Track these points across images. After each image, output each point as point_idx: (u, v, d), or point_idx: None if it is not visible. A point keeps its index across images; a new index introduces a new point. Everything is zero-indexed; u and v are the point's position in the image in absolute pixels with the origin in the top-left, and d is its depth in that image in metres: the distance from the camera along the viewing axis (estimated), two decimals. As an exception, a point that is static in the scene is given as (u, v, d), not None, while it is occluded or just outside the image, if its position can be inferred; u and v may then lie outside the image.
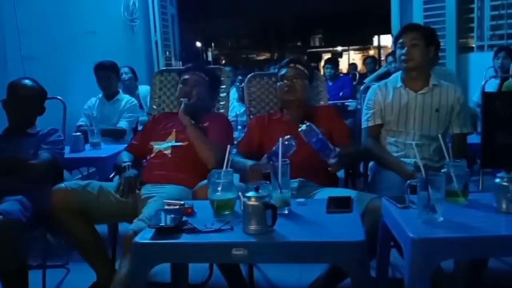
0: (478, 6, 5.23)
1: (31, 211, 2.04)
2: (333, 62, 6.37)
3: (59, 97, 2.86)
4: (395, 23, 5.94)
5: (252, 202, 1.36)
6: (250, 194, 1.38)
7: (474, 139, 2.47)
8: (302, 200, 1.67)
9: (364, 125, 2.37)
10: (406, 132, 2.28)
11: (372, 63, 8.24)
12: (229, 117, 2.63)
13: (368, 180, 2.48)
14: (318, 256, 1.36)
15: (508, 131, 2.29)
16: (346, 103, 5.28)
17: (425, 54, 2.25)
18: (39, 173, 2.16)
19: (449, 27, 5.30)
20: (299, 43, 25.69)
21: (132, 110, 3.60)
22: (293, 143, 1.89)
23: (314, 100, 2.53)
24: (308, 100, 2.39)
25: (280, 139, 1.78)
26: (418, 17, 5.42)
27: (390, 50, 7.49)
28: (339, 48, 24.12)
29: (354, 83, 6.78)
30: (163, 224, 1.41)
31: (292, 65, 2.33)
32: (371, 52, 21.67)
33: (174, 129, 2.34)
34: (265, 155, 2.03)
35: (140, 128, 3.63)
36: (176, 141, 2.29)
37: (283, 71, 2.32)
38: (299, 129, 1.93)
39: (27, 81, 2.37)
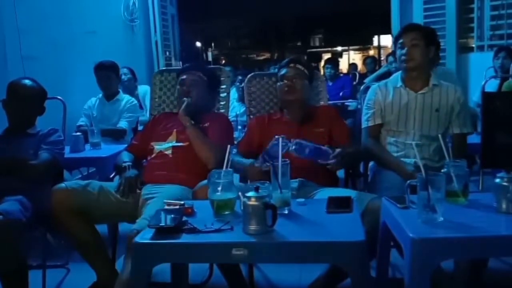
0: (478, 6, 5.23)
1: (31, 211, 2.04)
2: (333, 62, 6.37)
3: (59, 97, 2.86)
4: (395, 23, 5.94)
5: (252, 202, 1.36)
6: (250, 194, 1.38)
7: (474, 139, 2.47)
8: (302, 200, 1.67)
9: (364, 125, 2.37)
10: (406, 132, 2.28)
11: (372, 63, 8.25)
12: (229, 117, 2.62)
13: (368, 180, 2.48)
14: (318, 256, 1.36)
15: (508, 131, 2.29)
16: (346, 103, 5.28)
17: (425, 54, 2.25)
18: (39, 173, 2.16)
19: (449, 27, 5.30)
20: (299, 43, 25.69)
21: (132, 110, 3.60)
22: (284, 144, 1.88)
23: (314, 100, 2.53)
24: (308, 100, 2.39)
25: (280, 138, 1.78)
26: (418, 17, 5.42)
27: (390, 50, 7.50)
28: (339, 48, 24.12)
29: (354, 83, 6.77)
30: (163, 224, 1.41)
31: (292, 65, 2.33)
32: (371, 52, 21.68)
33: (175, 129, 2.33)
34: (260, 155, 2.02)
35: (140, 128, 3.63)
36: (176, 142, 2.29)
37: (283, 71, 2.32)
38: (290, 150, 1.89)
39: (27, 81, 2.37)
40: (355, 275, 1.32)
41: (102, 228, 2.28)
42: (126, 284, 1.64)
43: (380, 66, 8.73)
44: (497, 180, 1.44)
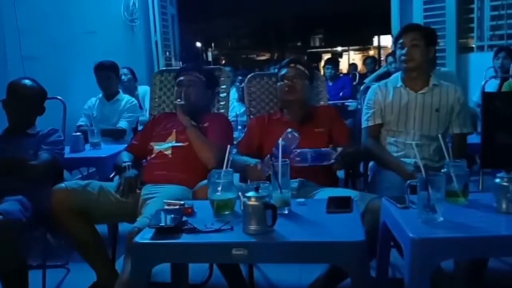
0: (478, 6, 5.23)
1: (31, 211, 2.04)
2: (334, 62, 6.37)
3: (59, 97, 2.86)
4: (395, 23, 5.94)
5: (252, 202, 1.36)
6: (250, 194, 1.38)
7: (474, 139, 2.47)
8: (302, 200, 1.67)
9: (364, 125, 2.37)
10: (406, 132, 2.28)
11: (372, 63, 8.26)
12: (229, 117, 2.62)
13: (368, 180, 2.48)
14: (318, 256, 1.36)
15: (508, 131, 2.29)
16: (346, 103, 5.28)
17: (425, 54, 2.25)
18: (39, 173, 2.16)
19: (449, 27, 5.30)
20: (299, 43, 25.69)
21: (132, 110, 3.60)
22: (296, 135, 1.90)
23: (314, 100, 2.53)
24: (308, 100, 2.39)
25: (280, 139, 1.78)
26: (418, 17, 5.42)
27: (390, 50, 7.49)
28: (339, 48, 24.12)
29: (354, 83, 6.78)
30: (163, 224, 1.41)
31: (292, 65, 2.32)
32: (371, 52, 21.70)
33: (174, 130, 2.33)
34: (268, 156, 2.01)
35: (140, 128, 3.63)
36: (176, 142, 2.29)
37: (283, 71, 2.32)
38: (295, 164, 1.88)
39: (27, 81, 2.37)
40: (355, 275, 1.32)
41: (102, 228, 2.28)
42: (126, 284, 1.64)
43: (380, 66, 8.74)
44: (497, 180, 1.44)
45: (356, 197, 1.74)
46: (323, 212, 1.56)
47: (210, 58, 22.24)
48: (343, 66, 14.18)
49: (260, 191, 1.39)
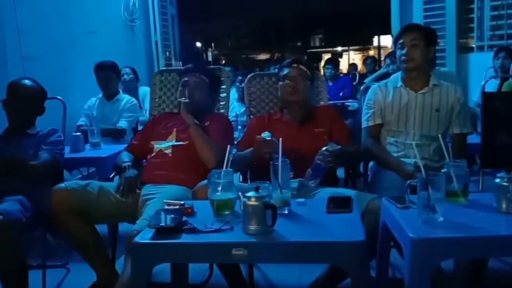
0: (478, 6, 5.23)
1: (31, 211, 2.04)
2: (334, 62, 6.37)
3: (59, 97, 2.86)
4: (395, 23, 5.94)
5: (252, 202, 1.36)
6: (250, 194, 1.38)
7: (474, 139, 2.47)
8: (302, 200, 1.67)
9: (364, 125, 2.37)
10: (406, 132, 2.28)
11: (372, 63, 8.27)
12: (229, 117, 2.62)
13: (368, 180, 2.48)
14: (318, 256, 1.36)
15: (508, 131, 2.29)
16: (346, 103, 5.28)
17: (425, 54, 2.25)
18: (39, 173, 2.16)
19: (449, 27, 5.30)
20: (299, 43, 25.69)
21: (132, 110, 3.60)
22: (268, 138, 1.92)
23: (314, 100, 2.53)
24: (309, 101, 2.39)
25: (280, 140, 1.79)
26: (418, 17, 5.42)
27: (390, 50, 7.49)
28: (339, 48, 24.12)
29: (354, 83, 6.78)
30: (163, 224, 1.41)
31: (295, 65, 2.32)
32: (371, 53, 21.69)
33: (175, 129, 2.34)
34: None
35: (140, 128, 3.63)
36: (176, 141, 2.29)
37: (285, 71, 2.32)
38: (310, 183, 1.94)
39: (27, 81, 2.37)
40: (355, 275, 1.32)
41: (102, 228, 2.28)
42: (126, 285, 1.64)
43: (380, 67, 8.74)
44: (497, 180, 1.44)
45: (356, 197, 1.74)
46: (323, 212, 1.56)
47: (210, 58, 22.22)
48: (343, 66, 14.17)
49: (260, 191, 1.39)
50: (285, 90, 2.29)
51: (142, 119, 3.82)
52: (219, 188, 1.55)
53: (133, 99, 3.69)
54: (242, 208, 1.39)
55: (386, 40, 17.59)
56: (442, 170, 1.54)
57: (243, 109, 4.20)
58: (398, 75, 2.37)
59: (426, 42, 2.24)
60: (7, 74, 3.26)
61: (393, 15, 6.05)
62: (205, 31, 21.70)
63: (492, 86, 3.59)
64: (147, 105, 3.76)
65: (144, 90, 4.36)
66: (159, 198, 1.88)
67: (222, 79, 2.63)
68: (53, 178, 2.25)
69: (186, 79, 2.38)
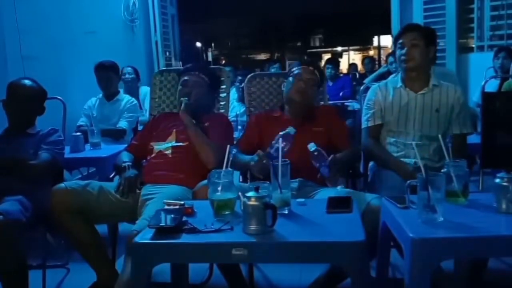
0: (478, 6, 5.22)
1: (31, 211, 2.05)
2: (334, 62, 6.37)
3: (59, 97, 2.86)
4: (395, 23, 5.93)
5: (252, 202, 1.36)
6: (250, 194, 1.38)
7: (474, 139, 2.47)
8: (302, 200, 1.67)
9: (364, 125, 2.37)
10: (406, 132, 2.28)
11: (370, 63, 8.26)
12: (229, 117, 2.62)
13: (368, 180, 2.48)
14: (318, 256, 1.36)
15: (508, 131, 2.29)
16: (346, 103, 5.28)
17: (425, 54, 2.25)
18: (39, 173, 2.16)
19: (449, 27, 5.29)
20: (299, 43, 25.68)
21: (132, 110, 3.60)
22: (292, 133, 1.89)
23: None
24: (311, 104, 2.39)
25: (280, 139, 1.78)
26: (418, 17, 5.41)
27: (390, 50, 7.49)
28: (339, 48, 24.11)
29: (354, 83, 6.78)
30: (163, 224, 1.41)
31: (311, 69, 2.31)
32: (371, 53, 21.70)
33: (174, 129, 2.34)
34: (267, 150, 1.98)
35: (140, 128, 3.63)
36: (176, 141, 2.29)
37: (298, 70, 2.30)
38: (310, 149, 1.89)
39: (27, 81, 2.37)
40: (355, 275, 1.32)
41: (102, 228, 2.28)
42: (126, 285, 1.64)
43: (379, 66, 8.75)
44: (497, 180, 1.44)
45: (356, 197, 1.74)
46: (323, 212, 1.56)
47: (210, 58, 22.22)
48: (343, 66, 14.17)
49: (260, 191, 1.39)
50: (294, 89, 2.27)
51: (142, 119, 3.82)
52: (219, 188, 1.55)
53: (133, 99, 3.69)
54: (242, 208, 1.39)
55: (386, 40, 17.60)
56: (442, 170, 1.54)
57: (243, 109, 4.20)
58: (398, 76, 2.37)
59: (426, 42, 2.24)
60: (7, 74, 3.26)
61: (393, 15, 6.04)
62: (205, 31, 21.68)
63: (492, 86, 3.58)
64: (147, 105, 3.76)
65: (144, 90, 4.36)
66: (159, 198, 1.88)
67: (222, 79, 2.63)
68: (53, 178, 2.25)
69: (186, 78, 2.38)
